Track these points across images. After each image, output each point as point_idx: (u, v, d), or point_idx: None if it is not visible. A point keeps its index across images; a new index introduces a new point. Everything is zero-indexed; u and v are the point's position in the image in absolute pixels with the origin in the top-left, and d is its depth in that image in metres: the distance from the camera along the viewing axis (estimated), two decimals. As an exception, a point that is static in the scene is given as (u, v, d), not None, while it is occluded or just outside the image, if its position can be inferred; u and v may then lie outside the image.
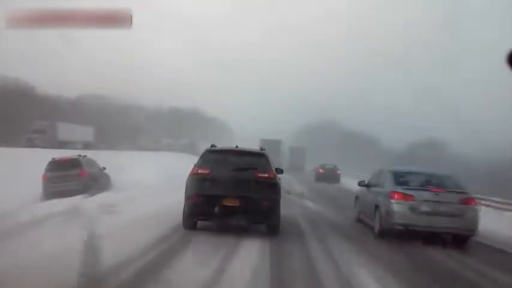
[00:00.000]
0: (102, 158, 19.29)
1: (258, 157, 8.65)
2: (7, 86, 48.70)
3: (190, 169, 8.22)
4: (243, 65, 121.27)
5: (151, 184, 15.81)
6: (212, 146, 9.12)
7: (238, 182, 8.10)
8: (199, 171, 8.35)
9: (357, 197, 11.24)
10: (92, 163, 16.36)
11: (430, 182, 8.77)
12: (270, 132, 66.85)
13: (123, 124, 54.81)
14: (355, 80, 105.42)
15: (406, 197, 8.34)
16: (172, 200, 9.84)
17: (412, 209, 8.25)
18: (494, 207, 16.33)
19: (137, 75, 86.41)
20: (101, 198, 12.02)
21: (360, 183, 10.73)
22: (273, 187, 8.27)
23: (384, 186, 9.11)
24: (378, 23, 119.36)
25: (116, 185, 16.56)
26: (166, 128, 61.70)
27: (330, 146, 64.88)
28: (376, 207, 8.90)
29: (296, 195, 17.28)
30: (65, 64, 72.77)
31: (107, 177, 16.94)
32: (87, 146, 37.73)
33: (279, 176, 8.75)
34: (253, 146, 11.05)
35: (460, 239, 8.48)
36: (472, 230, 8.31)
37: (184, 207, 8.35)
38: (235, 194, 8.02)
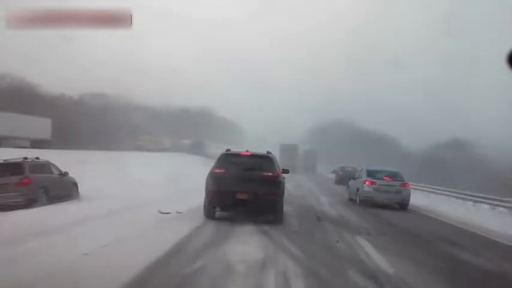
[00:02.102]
0: (102, 160, 21.81)
1: (265, 159, 11.29)
2: (11, 85, 49.88)
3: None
4: (253, 66, 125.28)
5: (129, 195, 14.95)
6: (227, 150, 11.79)
7: (248, 180, 10.51)
8: (217, 171, 10.84)
9: (347, 186, 20.68)
10: (45, 168, 13.91)
11: (386, 175, 18.02)
12: (280, 133, 70.43)
13: (124, 123, 55.56)
14: (367, 80, 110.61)
15: (372, 182, 17.60)
16: (133, 230, 8.92)
17: (375, 189, 17.40)
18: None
19: (145, 76, 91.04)
20: (35, 216, 10.35)
21: (350, 178, 20.53)
22: (276, 184, 10.80)
23: (361, 178, 18.42)
24: (390, 22, 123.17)
25: (86, 194, 14.97)
26: (172, 128, 62.39)
27: (343, 146, 69.08)
28: (357, 189, 18.26)
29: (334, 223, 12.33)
30: (69, 63, 76.91)
31: (68, 185, 14.69)
32: (40, 143, 32.05)
33: (285, 175, 11.78)
34: (271, 149, 13.47)
35: (401, 206, 17.29)
36: (406, 200, 17.26)
37: (204, 200, 11.02)
38: (245, 189, 10.40)
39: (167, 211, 11.51)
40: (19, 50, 63.51)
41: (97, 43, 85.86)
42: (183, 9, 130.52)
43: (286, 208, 12.31)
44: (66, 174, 14.72)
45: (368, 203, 17.11)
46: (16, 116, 32.79)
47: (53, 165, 14.48)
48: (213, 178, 10.76)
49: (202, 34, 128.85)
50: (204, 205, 11.06)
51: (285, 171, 11.95)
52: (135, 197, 14.52)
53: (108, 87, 66.43)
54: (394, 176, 18.01)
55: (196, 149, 50.08)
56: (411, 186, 18.72)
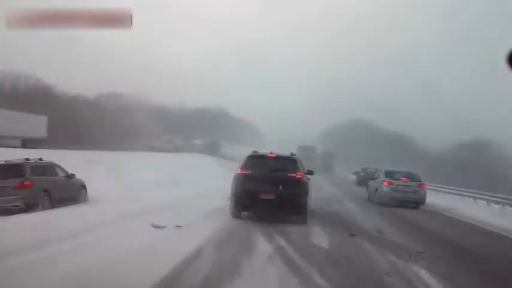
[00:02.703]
0: (106, 160, 20.55)
1: (289, 161, 11.68)
2: (27, 86, 50.14)
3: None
4: (271, 66, 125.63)
5: (133, 198, 14.09)
6: (253, 151, 12.32)
7: (273, 180, 10.91)
8: (243, 172, 11.19)
9: (367, 186, 21.61)
10: (49, 169, 13.34)
11: (403, 175, 18.87)
12: (296, 133, 70.90)
13: (139, 124, 55.53)
14: (384, 79, 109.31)
15: (389, 183, 18.37)
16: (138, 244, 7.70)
17: (392, 189, 18.19)
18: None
19: (161, 75, 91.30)
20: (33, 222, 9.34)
21: (370, 179, 21.38)
22: (300, 185, 11.12)
23: (379, 178, 19.32)
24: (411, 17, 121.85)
25: (93, 196, 14.35)
26: (188, 128, 61.88)
27: (360, 146, 68.97)
28: (376, 189, 19.10)
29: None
30: (85, 64, 76.68)
31: (75, 188, 14.11)
32: (36, 143, 30.28)
33: (310, 176, 12.21)
34: (290, 149, 15.99)
35: (416, 205, 18.20)
36: (422, 199, 18.25)
37: (231, 200, 11.40)
38: (270, 189, 10.77)
39: (163, 224, 9.42)
40: (33, 50, 65.69)
41: (112, 42, 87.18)
42: (200, 8, 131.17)
43: (311, 219, 11.62)
44: (73, 176, 14.03)
45: (386, 202, 17.88)
46: (7, 112, 30.94)
47: (59, 166, 13.87)
48: (239, 179, 11.08)
49: (218, 33, 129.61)
50: (230, 205, 11.38)
51: (310, 172, 12.23)
52: (138, 201, 13.57)
53: (124, 88, 67.59)
54: (410, 176, 18.84)
55: (211, 149, 49.75)
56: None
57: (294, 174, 11.07)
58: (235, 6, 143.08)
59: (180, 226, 9.53)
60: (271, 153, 11.95)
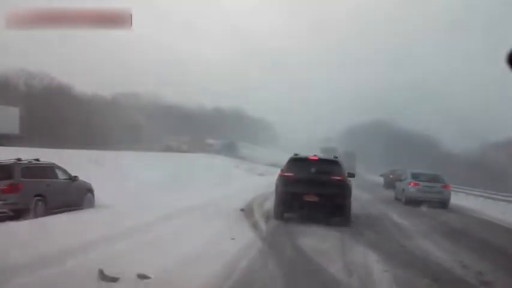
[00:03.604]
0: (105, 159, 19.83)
1: (333, 163, 12.15)
2: (45, 86, 49.28)
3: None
4: (288, 65, 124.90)
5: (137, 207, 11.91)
6: (295, 154, 12.61)
7: (317, 183, 11.18)
8: (285, 174, 11.59)
9: (394, 187, 23.36)
10: (47, 171, 12.02)
11: (428, 177, 20.06)
12: (316, 133, 70.41)
13: (156, 123, 53.92)
14: (407, 78, 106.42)
15: (416, 184, 19.42)
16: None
17: (418, 190, 19.25)
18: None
19: (178, 75, 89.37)
20: None
21: (397, 180, 23.21)
22: (344, 187, 11.35)
23: (406, 180, 20.42)
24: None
25: (98, 200, 13.03)
26: (205, 128, 61.14)
27: (381, 146, 67.66)
28: (403, 189, 20.26)
29: None
30: (104, 63, 76.25)
31: (79, 192, 12.64)
32: (5, 140, 25.54)
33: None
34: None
35: (441, 205, 18.87)
36: (446, 199, 19.24)
37: (274, 202, 11.76)
38: (314, 191, 11.03)
39: (115, 274, 5.47)
40: (47, 49, 63.85)
41: (132, 42, 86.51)
42: (219, 8, 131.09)
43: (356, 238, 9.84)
44: (76, 178, 12.61)
45: (412, 202, 18.89)
46: None
47: (59, 168, 12.49)
48: (283, 181, 11.44)
49: (239, 35, 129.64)
50: (274, 206, 11.69)
51: (350, 175, 12.37)
52: (144, 210, 11.37)
53: (141, 87, 67.03)
54: (435, 178, 20.08)
55: (228, 149, 49.04)
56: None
57: (339, 177, 11.34)
58: (255, 10, 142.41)
59: (149, 278, 5.55)
60: (314, 156, 12.36)
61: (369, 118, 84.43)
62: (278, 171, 12.29)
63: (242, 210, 12.58)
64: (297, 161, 11.95)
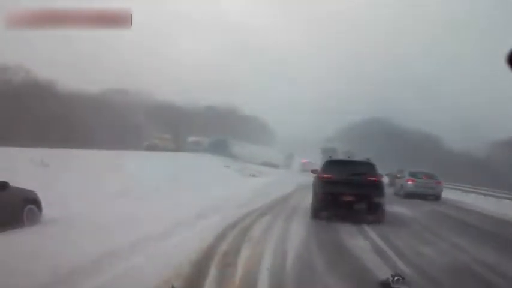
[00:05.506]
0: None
1: (367, 165, 13.09)
2: (26, 82, 45.96)
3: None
4: (284, 65, 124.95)
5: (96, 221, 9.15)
6: (330, 157, 14.49)
7: (354, 183, 12.23)
8: (324, 176, 12.62)
9: (394, 184, 27.08)
10: None
11: (424, 175, 23.73)
12: (313, 133, 70.85)
13: (141, 121, 53.50)
14: (408, 77, 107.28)
15: (413, 180, 23.15)
16: None
17: (415, 185, 22.93)
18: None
19: (170, 72, 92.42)
20: None
21: (395, 177, 27.43)
22: (379, 187, 12.50)
23: (404, 177, 24.09)
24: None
25: (51, 216, 9.44)
26: (197, 127, 59.62)
27: (379, 145, 67.70)
28: (401, 185, 24.06)
29: None
30: (90, 60, 76.05)
31: (14, 203, 8.82)
32: None
33: None
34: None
35: (435, 198, 22.57)
36: (439, 193, 22.94)
37: (312, 202, 12.75)
38: (351, 192, 12.04)
39: None
40: (36, 46, 62.34)
41: (127, 41, 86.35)
42: (211, 7, 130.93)
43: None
44: (6, 185, 8.57)
45: (409, 196, 22.32)
46: None
47: None
48: (322, 182, 12.41)
49: (230, 32, 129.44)
50: (312, 206, 12.62)
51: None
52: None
53: (130, 84, 66.24)
54: (430, 175, 23.67)
55: (217, 147, 45.41)
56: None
57: (374, 178, 12.42)
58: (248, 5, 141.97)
59: None
60: (348, 157, 14.45)
61: (366, 116, 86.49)
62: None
63: None
64: (333, 164, 13.26)
